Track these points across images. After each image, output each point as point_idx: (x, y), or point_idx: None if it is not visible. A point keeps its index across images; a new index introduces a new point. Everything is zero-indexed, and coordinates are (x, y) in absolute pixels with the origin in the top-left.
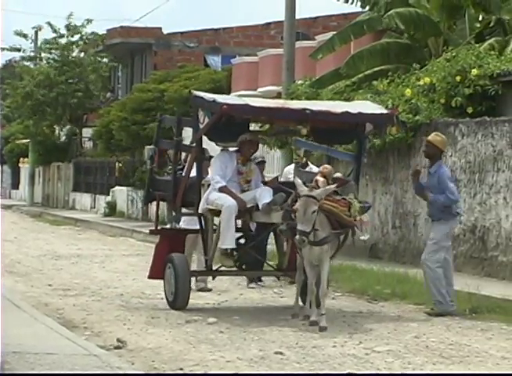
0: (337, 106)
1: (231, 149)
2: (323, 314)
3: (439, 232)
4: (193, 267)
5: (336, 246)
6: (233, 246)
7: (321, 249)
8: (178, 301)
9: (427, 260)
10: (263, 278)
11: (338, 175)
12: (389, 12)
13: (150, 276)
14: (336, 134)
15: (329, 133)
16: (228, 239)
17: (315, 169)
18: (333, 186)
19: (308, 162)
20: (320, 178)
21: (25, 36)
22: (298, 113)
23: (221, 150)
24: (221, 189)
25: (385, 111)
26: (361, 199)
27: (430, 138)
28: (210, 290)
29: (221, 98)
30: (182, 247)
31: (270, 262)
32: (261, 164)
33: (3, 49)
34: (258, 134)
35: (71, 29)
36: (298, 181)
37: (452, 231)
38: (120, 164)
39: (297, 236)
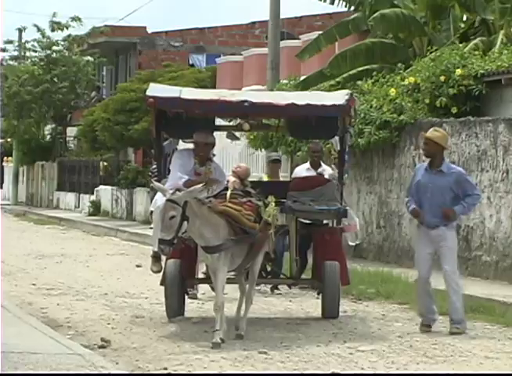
0: (284, 98)
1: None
2: (217, 330)
3: (455, 238)
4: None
5: (243, 254)
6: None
7: (211, 257)
8: (168, 310)
9: (454, 273)
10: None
11: (331, 172)
12: (375, 15)
13: (161, 283)
14: (314, 128)
15: (306, 127)
16: (157, 242)
17: (327, 169)
18: (198, 187)
19: (321, 162)
20: (231, 178)
21: (11, 42)
22: (236, 105)
23: (180, 149)
24: (186, 184)
25: (338, 102)
26: (345, 199)
27: (429, 134)
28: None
29: (155, 90)
30: (195, 252)
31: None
32: (276, 162)
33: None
34: (210, 133)
35: (56, 28)
36: (158, 184)
37: None
38: (106, 163)
39: (156, 247)
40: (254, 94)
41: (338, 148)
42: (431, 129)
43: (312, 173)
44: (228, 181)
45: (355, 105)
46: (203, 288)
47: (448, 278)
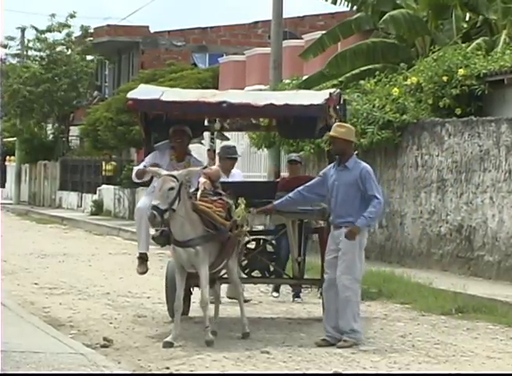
0: (266, 98)
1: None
2: (207, 327)
3: (358, 242)
4: None
5: (215, 253)
6: (145, 250)
7: (187, 252)
8: (169, 309)
9: (349, 279)
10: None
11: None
12: (384, 17)
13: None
14: (303, 127)
15: (296, 126)
16: (140, 243)
17: None
18: (197, 169)
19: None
20: (202, 179)
21: (12, 39)
22: (214, 106)
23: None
24: (137, 172)
25: (316, 102)
26: None
27: (333, 133)
28: (248, 301)
29: (137, 92)
30: None
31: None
32: (293, 163)
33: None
34: (184, 124)
35: (54, 29)
36: (153, 168)
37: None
38: (114, 163)
39: (148, 212)
40: (236, 94)
41: None
42: (335, 126)
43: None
44: (198, 182)
45: (335, 104)
46: None
47: (339, 283)
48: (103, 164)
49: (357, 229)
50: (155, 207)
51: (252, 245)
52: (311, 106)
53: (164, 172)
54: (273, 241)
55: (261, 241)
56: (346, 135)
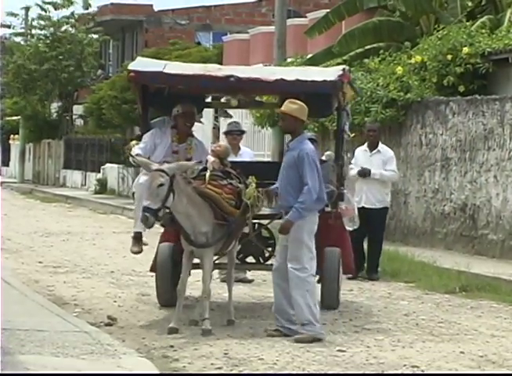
0: (273, 73)
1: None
2: (206, 318)
3: (305, 229)
4: None
5: (222, 237)
6: (141, 230)
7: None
8: (159, 296)
9: (299, 270)
10: None
11: (328, 153)
12: None
13: (151, 269)
14: (308, 106)
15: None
16: (137, 222)
17: (386, 150)
18: (191, 163)
19: (379, 143)
20: (210, 158)
21: (15, 15)
22: (222, 81)
23: (156, 127)
24: (137, 156)
25: (329, 78)
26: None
27: (284, 108)
28: (251, 281)
29: (138, 64)
30: None
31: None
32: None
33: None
34: (193, 105)
35: (59, 6)
36: (142, 158)
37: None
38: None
39: (141, 214)
40: (243, 69)
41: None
42: (286, 102)
43: (368, 154)
44: (207, 161)
45: (350, 80)
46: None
47: (292, 275)
48: (131, 143)
49: (290, 223)
50: (146, 209)
51: (246, 230)
52: (325, 82)
53: (154, 166)
54: (269, 226)
55: (256, 226)
56: (297, 112)
